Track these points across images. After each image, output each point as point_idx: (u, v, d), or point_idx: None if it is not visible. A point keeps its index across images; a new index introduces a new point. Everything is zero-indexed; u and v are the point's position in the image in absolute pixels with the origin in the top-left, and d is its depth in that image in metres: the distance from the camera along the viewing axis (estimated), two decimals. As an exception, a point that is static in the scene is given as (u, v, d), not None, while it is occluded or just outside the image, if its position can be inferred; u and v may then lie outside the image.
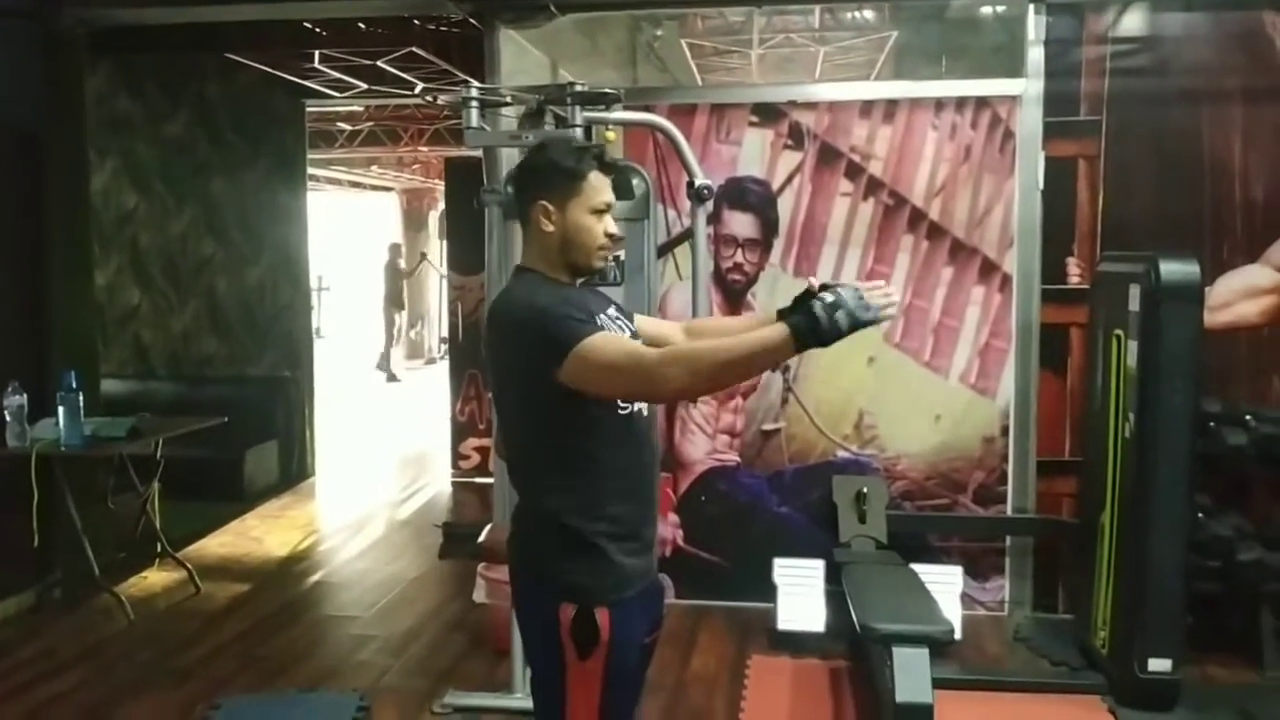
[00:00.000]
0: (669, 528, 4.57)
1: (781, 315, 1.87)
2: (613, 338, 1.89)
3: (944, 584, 3.96)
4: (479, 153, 3.91)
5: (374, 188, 15.98)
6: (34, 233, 4.69)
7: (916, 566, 3.95)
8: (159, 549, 5.01)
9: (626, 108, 4.25)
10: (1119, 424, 3.65)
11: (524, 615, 2.07)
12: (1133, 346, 3.54)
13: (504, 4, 4.45)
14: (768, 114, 4.47)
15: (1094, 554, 3.80)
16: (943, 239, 4.40)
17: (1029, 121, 4.29)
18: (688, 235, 4.28)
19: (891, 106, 4.41)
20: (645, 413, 2.03)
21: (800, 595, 4.15)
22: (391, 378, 13.27)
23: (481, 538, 3.65)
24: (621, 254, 4.13)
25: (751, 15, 5.82)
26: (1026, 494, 4.38)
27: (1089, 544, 3.87)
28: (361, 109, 9.44)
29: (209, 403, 6.14)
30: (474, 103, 3.57)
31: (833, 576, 4.03)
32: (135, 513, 4.96)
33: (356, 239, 16.86)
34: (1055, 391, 4.36)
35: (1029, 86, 4.28)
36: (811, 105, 4.46)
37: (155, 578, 5.02)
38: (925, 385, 4.44)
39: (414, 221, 16.69)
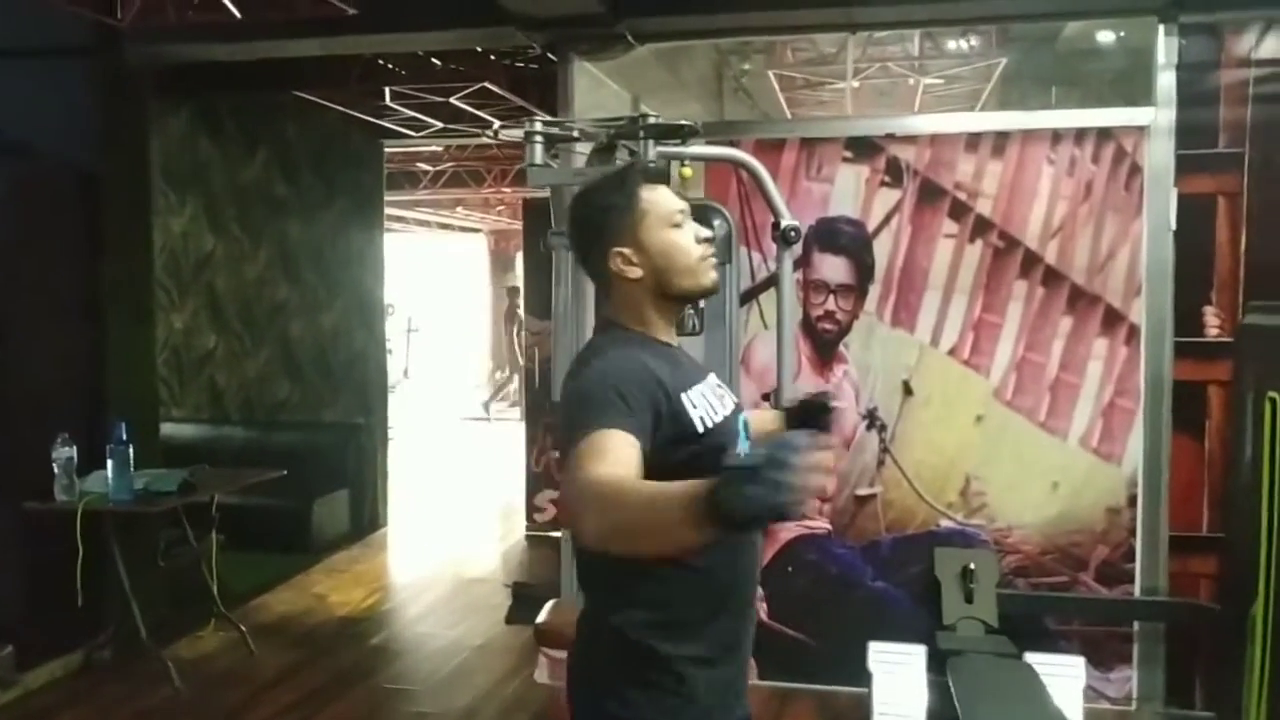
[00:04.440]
0: (752, 601, 4.17)
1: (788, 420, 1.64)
2: (604, 442, 1.42)
3: (1065, 677, 3.50)
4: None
5: (462, 229, 15.98)
6: (92, 277, 4.53)
7: (1032, 655, 3.51)
8: (214, 608, 4.79)
9: (710, 143, 3.95)
10: (1273, 501, 3.17)
11: None
12: (1291, 412, 3.06)
13: (578, 34, 4.17)
14: (863, 148, 4.08)
15: (1244, 651, 3.30)
16: (1060, 285, 3.95)
17: (1159, 154, 3.83)
18: (773, 281, 3.91)
19: (1001, 139, 3.99)
20: None
21: (898, 683, 3.71)
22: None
23: (541, 617, 3.30)
24: (701, 301, 3.82)
25: (845, 44, 5.47)
26: (1157, 573, 3.87)
27: (1236, 638, 3.36)
28: (442, 149, 9.31)
29: (279, 450, 5.99)
30: (538, 138, 3.28)
31: (935, 664, 3.60)
32: (190, 569, 4.75)
33: (446, 281, 16.92)
34: (1191, 458, 3.85)
35: (1159, 116, 3.82)
36: (911, 139, 4.06)
37: (210, 638, 4.79)
38: (1041, 448, 3.97)
39: (501, 263, 16.65)
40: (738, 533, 1.23)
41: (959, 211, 4.02)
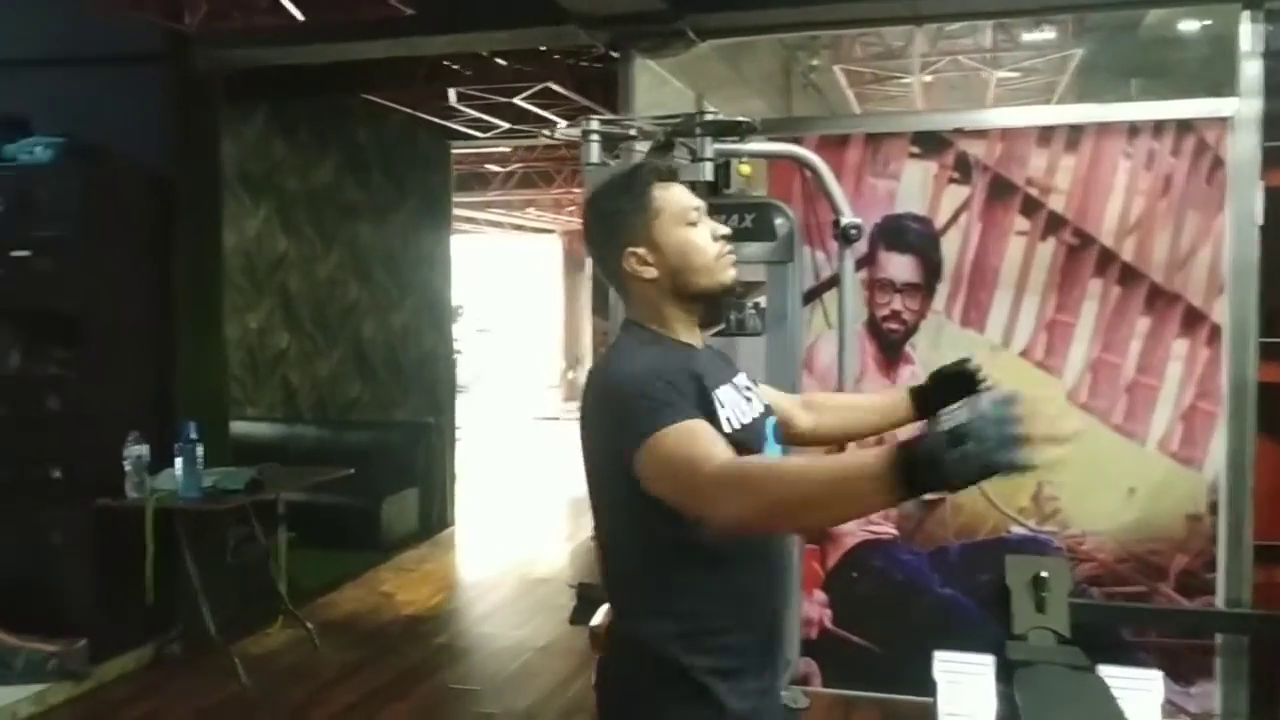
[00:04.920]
0: (815, 606, 4.09)
1: (916, 400, 1.46)
2: (696, 432, 1.41)
3: (1141, 690, 3.36)
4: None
5: (535, 230, 16.04)
6: (164, 279, 4.61)
7: (1106, 668, 3.37)
8: (282, 605, 4.85)
9: (772, 139, 3.88)
10: (1366, 510, 3.00)
11: None
12: (1386, 417, 2.89)
13: (639, 31, 4.13)
14: (930, 144, 3.97)
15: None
16: (1138, 284, 3.80)
17: (1244, 146, 3.66)
18: (836, 280, 3.83)
19: (1075, 133, 3.85)
20: None
21: (964, 693, 3.60)
22: None
23: (596, 620, 3.27)
24: (763, 301, 3.74)
25: (913, 37, 5.33)
26: (1241, 584, 3.70)
27: (1325, 653, 3.20)
28: (510, 150, 9.35)
29: (350, 448, 6.06)
30: (595, 137, 3.25)
31: (1005, 674, 3.48)
32: (259, 566, 4.81)
33: (519, 282, 17.01)
34: (1276, 462, 3.68)
35: (1243, 106, 3.66)
36: (981, 133, 3.94)
37: (278, 635, 4.84)
38: (1117, 452, 3.83)
39: (574, 264, 16.67)
40: (949, 493, 1.23)
41: (1031, 208, 3.89)
